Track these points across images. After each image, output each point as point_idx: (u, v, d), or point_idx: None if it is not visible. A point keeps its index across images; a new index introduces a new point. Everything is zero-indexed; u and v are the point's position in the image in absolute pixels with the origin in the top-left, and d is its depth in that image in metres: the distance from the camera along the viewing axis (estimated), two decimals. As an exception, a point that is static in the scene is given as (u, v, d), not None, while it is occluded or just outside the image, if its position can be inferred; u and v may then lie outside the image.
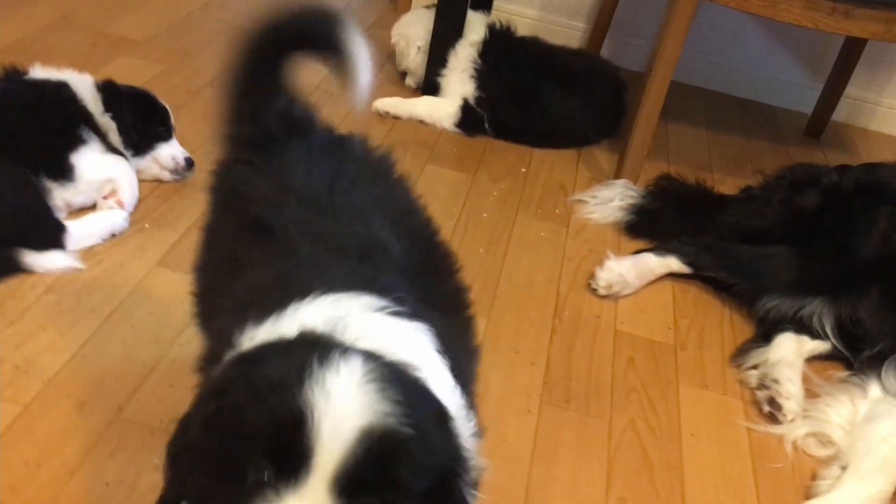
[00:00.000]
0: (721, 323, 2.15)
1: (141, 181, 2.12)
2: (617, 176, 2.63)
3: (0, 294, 1.71)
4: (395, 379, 0.70)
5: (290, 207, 1.00)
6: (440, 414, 0.75)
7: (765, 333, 2.06)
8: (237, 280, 0.95)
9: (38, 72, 2.02)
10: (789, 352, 1.98)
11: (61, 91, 1.99)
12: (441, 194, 2.44)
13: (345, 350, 0.72)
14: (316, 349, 0.71)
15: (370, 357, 0.72)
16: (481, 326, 1.94)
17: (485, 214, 2.39)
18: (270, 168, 1.08)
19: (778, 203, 2.25)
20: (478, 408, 1.69)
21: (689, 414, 1.83)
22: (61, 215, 1.90)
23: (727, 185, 2.68)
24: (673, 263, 2.25)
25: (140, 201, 2.08)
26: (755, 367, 1.98)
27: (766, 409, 1.85)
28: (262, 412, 0.66)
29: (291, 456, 0.65)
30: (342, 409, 0.65)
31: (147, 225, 2.02)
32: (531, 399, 1.77)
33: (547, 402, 1.77)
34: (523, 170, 2.66)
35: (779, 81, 3.39)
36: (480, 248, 2.24)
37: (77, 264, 1.82)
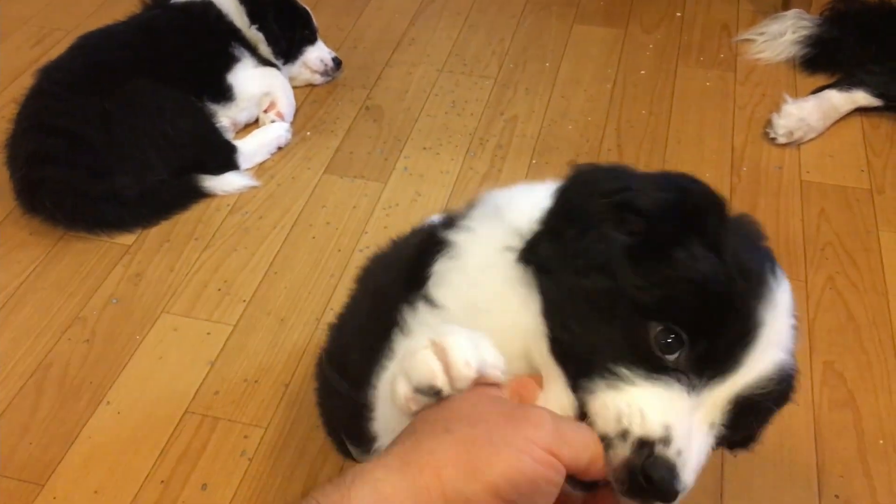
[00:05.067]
0: (922, 158, 1.96)
1: (294, 88, 2.14)
2: (786, 6, 2.39)
3: (190, 220, 1.81)
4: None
5: None
6: None
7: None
8: None
9: (180, -7, 2.04)
10: None
11: (208, 10, 2.00)
12: (593, 56, 2.31)
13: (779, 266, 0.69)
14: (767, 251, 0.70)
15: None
16: (655, 194, 1.86)
17: (643, 71, 2.25)
18: None
19: None
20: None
21: (893, 263, 1.70)
22: (229, 136, 1.96)
23: (917, -4, 2.37)
24: (860, 97, 2.05)
25: (297, 109, 2.11)
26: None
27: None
28: (724, 276, 0.63)
29: (717, 350, 0.62)
30: (779, 333, 0.64)
31: (308, 133, 2.05)
32: (718, 267, 1.70)
33: (735, 267, 1.70)
34: (678, 14, 2.47)
35: None
36: (643, 109, 2.12)
37: (253, 182, 1.89)
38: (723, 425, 0.63)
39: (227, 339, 1.56)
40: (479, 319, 0.71)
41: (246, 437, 1.40)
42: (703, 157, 1.97)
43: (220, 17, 2.01)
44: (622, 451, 0.60)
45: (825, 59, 2.21)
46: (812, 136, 2.00)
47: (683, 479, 0.59)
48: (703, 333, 0.63)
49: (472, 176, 1.93)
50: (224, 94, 1.97)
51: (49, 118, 1.77)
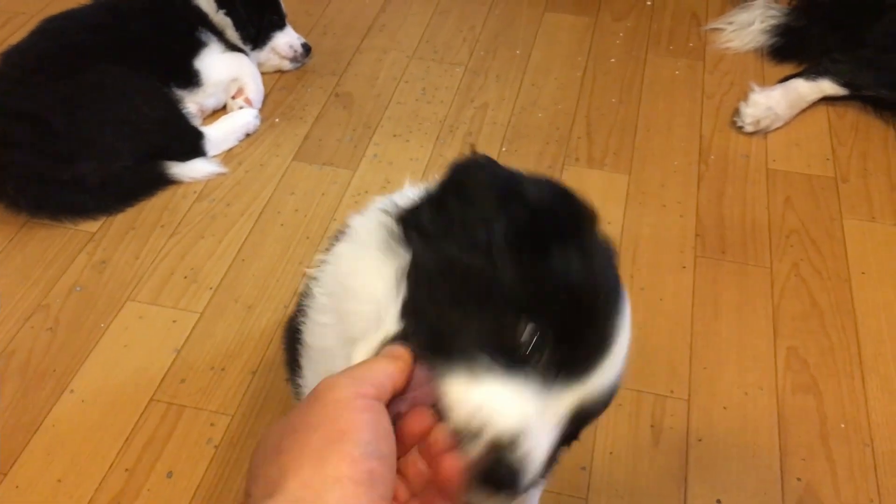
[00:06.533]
0: (886, 146, 1.99)
1: (263, 75, 2.11)
2: (755, -5, 2.41)
3: (156, 207, 1.79)
4: None
5: None
6: None
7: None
8: None
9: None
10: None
11: (175, -5, 1.98)
12: (563, 43, 2.31)
13: None
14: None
15: None
16: (622, 183, 1.87)
17: (613, 59, 2.26)
18: None
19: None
20: (630, 269, 1.67)
21: (856, 251, 1.73)
22: (197, 122, 1.94)
23: (883, -13, 2.40)
24: (826, 86, 2.07)
25: (266, 96, 2.09)
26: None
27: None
28: (593, 286, 0.65)
29: (577, 356, 0.63)
30: (622, 349, 0.66)
31: (277, 119, 2.04)
32: (685, 254, 1.71)
33: (701, 255, 1.71)
34: (648, 2, 2.48)
35: None
36: (612, 97, 2.13)
37: (220, 169, 1.87)
38: (564, 426, 0.64)
39: (194, 327, 1.54)
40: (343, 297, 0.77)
41: (212, 424, 1.40)
42: (671, 146, 1.98)
43: (186, 1, 1.99)
44: (473, 450, 0.59)
45: (793, 49, 2.23)
46: (779, 124, 2.02)
47: (527, 478, 0.60)
48: (568, 338, 0.63)
49: (443, 163, 1.92)
50: (191, 79, 1.95)
51: (11, 103, 1.74)
